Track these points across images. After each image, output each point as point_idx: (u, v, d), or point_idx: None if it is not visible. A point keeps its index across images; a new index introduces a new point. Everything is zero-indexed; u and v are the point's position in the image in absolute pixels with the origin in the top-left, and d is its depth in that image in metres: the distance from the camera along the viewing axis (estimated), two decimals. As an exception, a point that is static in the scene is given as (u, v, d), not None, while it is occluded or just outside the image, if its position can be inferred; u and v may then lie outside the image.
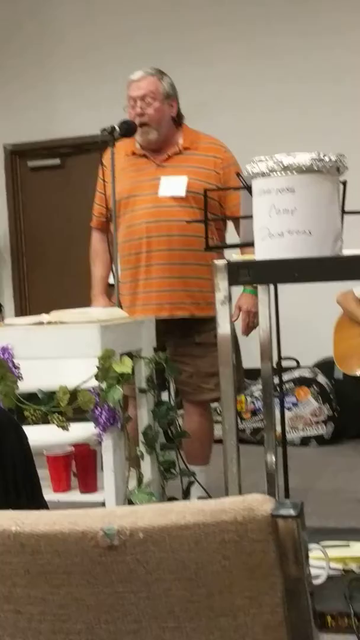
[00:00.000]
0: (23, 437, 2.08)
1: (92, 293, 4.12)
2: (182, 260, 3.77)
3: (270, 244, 1.98)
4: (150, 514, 0.90)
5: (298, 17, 6.35)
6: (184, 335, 3.85)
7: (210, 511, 0.90)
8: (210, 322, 3.94)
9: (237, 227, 3.52)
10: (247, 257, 2.45)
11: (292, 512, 0.89)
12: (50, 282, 7.13)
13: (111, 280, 4.11)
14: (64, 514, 0.93)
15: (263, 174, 1.97)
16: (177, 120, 3.89)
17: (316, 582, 2.05)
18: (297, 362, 5.98)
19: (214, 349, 4.06)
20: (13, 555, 0.93)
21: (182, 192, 3.71)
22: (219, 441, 2.23)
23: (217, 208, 3.71)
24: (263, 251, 2.01)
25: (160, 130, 3.81)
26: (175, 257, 3.76)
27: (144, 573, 0.91)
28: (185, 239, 3.74)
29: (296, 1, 6.35)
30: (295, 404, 5.84)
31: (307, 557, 0.92)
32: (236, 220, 3.56)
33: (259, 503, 0.89)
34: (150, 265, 3.78)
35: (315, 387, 5.85)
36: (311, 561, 2.08)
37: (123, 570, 0.91)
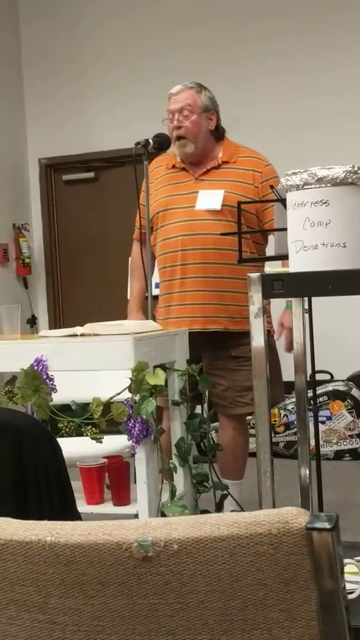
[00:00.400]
0: (57, 449, 2.09)
1: (129, 307, 4.11)
2: (217, 273, 3.77)
3: (305, 256, 1.98)
4: (185, 526, 0.90)
5: (334, 30, 6.35)
6: (219, 348, 3.84)
7: (245, 523, 0.89)
8: (245, 336, 3.93)
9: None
10: (282, 269, 2.45)
11: (327, 525, 0.88)
12: (84, 294, 7.17)
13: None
14: (98, 525, 0.93)
15: (297, 187, 1.97)
16: (217, 134, 3.89)
17: (350, 596, 2.03)
18: (331, 375, 5.95)
19: (249, 362, 4.08)
20: (48, 566, 0.93)
21: (217, 206, 3.71)
22: (253, 454, 2.22)
23: (255, 222, 3.70)
24: (297, 264, 2.01)
25: (197, 144, 3.81)
26: (210, 270, 3.76)
27: (178, 585, 0.91)
28: (220, 252, 3.74)
29: (332, 14, 6.35)
30: (329, 418, 5.80)
31: (342, 570, 0.91)
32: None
33: (294, 516, 0.89)
34: (185, 278, 3.79)
35: (349, 400, 5.81)
36: (345, 576, 2.06)
37: (157, 581, 0.91)
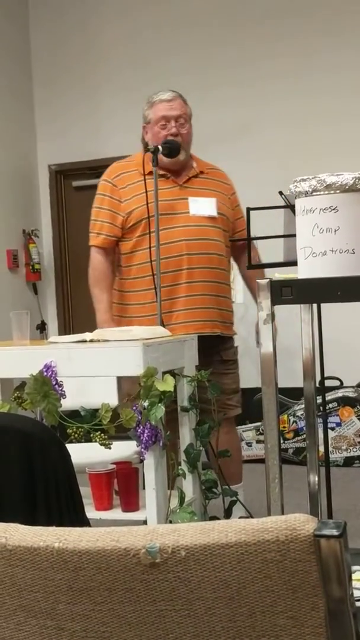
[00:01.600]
0: (66, 455, 2.09)
1: (102, 319, 3.97)
2: (218, 278, 3.85)
3: (313, 262, 1.98)
4: (192, 532, 0.90)
5: (346, 32, 6.35)
6: (210, 352, 3.81)
7: (253, 530, 0.89)
8: (230, 340, 4.01)
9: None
10: (291, 275, 2.45)
11: (335, 532, 0.88)
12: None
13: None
14: (106, 531, 0.93)
15: (306, 193, 1.97)
16: None
17: (359, 604, 2.03)
18: (341, 381, 5.94)
19: (235, 365, 4.11)
20: (56, 572, 0.94)
21: (214, 212, 3.81)
22: (262, 460, 2.22)
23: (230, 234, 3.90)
24: (306, 270, 2.01)
25: (188, 152, 3.91)
26: (212, 275, 3.81)
27: (186, 591, 0.91)
28: (219, 258, 3.84)
29: (344, 15, 6.35)
30: (338, 424, 5.79)
31: (350, 577, 0.91)
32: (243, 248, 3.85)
33: (302, 523, 0.89)
34: (192, 282, 3.80)
35: (359, 407, 5.80)
36: (353, 583, 2.06)
37: (165, 588, 0.91)
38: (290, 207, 2.17)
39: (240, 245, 3.94)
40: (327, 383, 5.63)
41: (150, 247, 3.69)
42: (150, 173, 3.75)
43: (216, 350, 3.88)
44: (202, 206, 3.78)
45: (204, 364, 3.79)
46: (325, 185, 1.94)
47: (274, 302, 1.98)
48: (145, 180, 3.75)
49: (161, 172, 3.79)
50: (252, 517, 3.74)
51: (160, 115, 3.86)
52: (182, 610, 0.92)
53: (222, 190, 3.92)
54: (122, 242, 3.94)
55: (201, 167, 3.95)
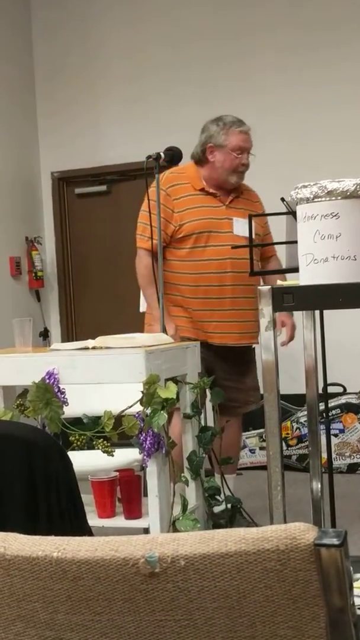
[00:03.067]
0: (68, 463, 2.08)
1: (157, 315, 3.99)
2: (252, 294, 4.03)
3: (315, 269, 1.97)
4: (192, 542, 0.90)
5: (349, 44, 6.35)
6: (238, 358, 4.18)
7: (252, 539, 0.89)
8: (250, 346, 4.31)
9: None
10: (293, 282, 2.44)
11: (335, 541, 0.88)
12: (97, 307, 7.18)
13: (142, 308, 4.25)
14: (105, 541, 0.92)
15: (307, 200, 1.97)
16: None
17: (362, 612, 2.01)
18: (344, 388, 5.92)
19: (254, 365, 4.35)
20: (55, 581, 0.93)
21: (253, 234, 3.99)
22: (264, 467, 2.21)
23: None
24: (308, 277, 2.01)
25: (243, 178, 4.22)
26: (249, 291, 3.98)
27: (186, 601, 0.90)
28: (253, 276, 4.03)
29: (351, 27, 6.35)
30: (342, 431, 5.78)
31: (351, 587, 0.90)
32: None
33: (302, 532, 0.88)
34: (236, 297, 4.06)
35: (362, 413, 5.79)
36: (355, 591, 2.05)
37: (164, 597, 0.90)
38: (292, 213, 2.16)
39: (264, 257, 4.30)
40: (331, 389, 5.62)
41: (201, 260, 4.03)
42: (202, 189, 4.09)
43: (243, 355, 4.23)
44: (242, 227, 4.01)
45: (233, 367, 4.15)
46: (326, 191, 1.94)
47: (276, 308, 1.98)
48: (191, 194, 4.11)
49: (212, 190, 4.11)
50: (254, 523, 3.74)
51: (239, 145, 4.15)
52: (181, 620, 0.91)
53: (257, 210, 4.17)
54: (174, 249, 4.10)
55: (241, 188, 4.23)
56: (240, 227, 4.03)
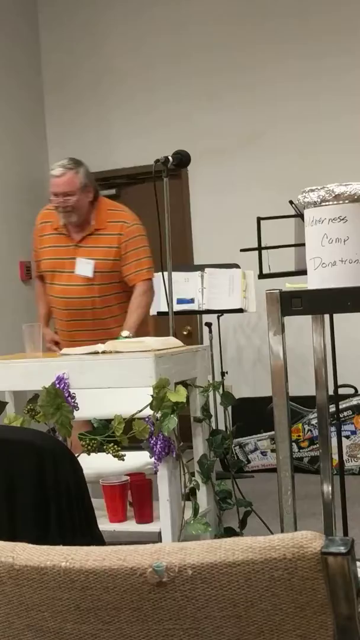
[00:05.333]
0: (78, 469, 2.09)
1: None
2: (93, 327, 4.31)
3: (323, 273, 1.97)
4: (199, 551, 0.90)
5: (353, 53, 6.34)
6: None
7: (259, 548, 0.89)
8: None
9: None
10: (301, 285, 2.44)
11: (342, 549, 0.88)
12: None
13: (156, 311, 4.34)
14: (113, 550, 0.93)
15: (315, 204, 1.97)
16: (93, 200, 4.33)
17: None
18: (356, 389, 5.91)
19: None
20: (63, 591, 0.93)
21: (90, 274, 4.24)
22: (274, 469, 2.21)
23: (118, 275, 4.27)
24: (316, 280, 2.00)
25: (80, 214, 4.26)
26: (87, 325, 4.29)
27: (193, 610, 0.90)
28: (92, 311, 4.29)
29: (352, 37, 6.34)
30: (353, 432, 5.76)
31: (358, 595, 0.90)
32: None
33: (309, 540, 0.88)
34: (72, 331, 4.36)
35: (374, 414, 5.77)
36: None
37: (172, 607, 0.91)
38: (301, 216, 2.16)
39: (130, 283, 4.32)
40: (342, 391, 5.61)
41: (51, 295, 4.39)
42: (57, 229, 4.32)
43: None
44: (83, 267, 4.24)
45: None
46: (333, 195, 1.93)
47: (284, 313, 1.98)
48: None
49: (64, 230, 4.32)
50: (268, 528, 3.73)
51: (50, 190, 4.31)
52: (189, 629, 0.91)
53: (111, 243, 4.25)
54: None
55: (99, 223, 4.30)
56: (82, 266, 4.23)
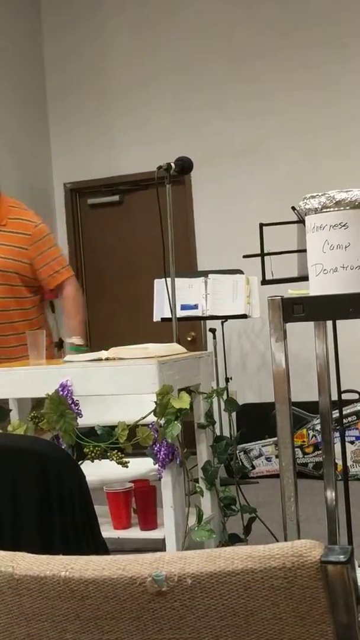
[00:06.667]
0: (81, 477, 2.09)
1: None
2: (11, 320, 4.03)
3: (324, 279, 1.97)
4: (199, 560, 0.90)
5: (353, 62, 6.35)
6: None
7: (259, 557, 0.89)
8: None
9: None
10: (304, 291, 2.44)
11: (341, 558, 0.88)
12: (111, 316, 7.20)
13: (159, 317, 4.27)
14: (112, 560, 0.93)
15: (316, 210, 1.97)
16: None
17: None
18: (360, 394, 5.90)
19: None
20: (63, 601, 0.93)
21: None
22: (279, 476, 2.21)
23: (32, 280, 4.03)
24: (317, 287, 2.00)
25: None
26: (6, 317, 4.00)
27: (193, 619, 0.90)
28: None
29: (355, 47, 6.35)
30: (358, 438, 5.75)
31: (358, 603, 0.90)
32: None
33: (308, 549, 0.88)
34: None
35: (378, 420, 5.76)
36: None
37: (172, 616, 0.90)
38: (303, 222, 2.16)
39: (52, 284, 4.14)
40: (346, 396, 5.60)
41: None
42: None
43: None
44: None
45: None
46: (334, 202, 1.93)
47: (286, 319, 1.98)
48: None
49: None
50: (273, 534, 3.72)
51: None
52: (189, 639, 0.91)
53: (15, 242, 4.00)
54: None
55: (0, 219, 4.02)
56: None
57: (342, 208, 1.93)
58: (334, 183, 4.64)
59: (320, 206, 1.96)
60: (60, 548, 2.00)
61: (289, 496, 1.96)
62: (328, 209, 1.95)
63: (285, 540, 2.00)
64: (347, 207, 1.93)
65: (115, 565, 0.91)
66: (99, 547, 2.11)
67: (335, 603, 0.89)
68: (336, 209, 1.94)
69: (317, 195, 1.97)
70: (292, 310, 1.97)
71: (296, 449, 5.83)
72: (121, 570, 0.91)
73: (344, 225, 1.93)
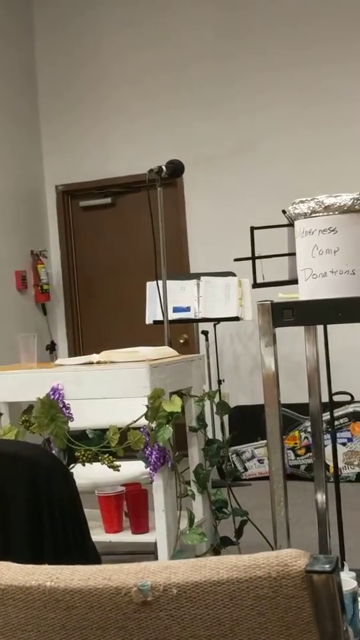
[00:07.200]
0: (71, 482, 2.09)
1: None
2: None
3: (314, 284, 1.97)
4: (184, 570, 0.90)
5: (346, 63, 6.35)
6: None
7: (244, 567, 0.89)
8: None
9: None
10: (293, 296, 2.44)
11: (327, 567, 0.88)
12: (103, 319, 7.19)
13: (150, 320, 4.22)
14: (98, 569, 0.93)
15: (305, 215, 1.97)
16: None
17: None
18: (352, 396, 5.90)
19: None
20: (49, 611, 0.93)
21: None
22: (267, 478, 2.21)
23: None
24: (307, 291, 2.01)
25: None
26: None
27: (179, 629, 0.90)
28: None
29: (345, 46, 6.35)
30: (350, 439, 5.76)
31: (343, 612, 0.90)
32: None
33: (293, 558, 0.88)
34: None
35: (370, 421, 5.77)
36: (363, 605, 2.04)
37: (157, 626, 0.90)
38: (293, 225, 2.16)
39: None
40: (338, 398, 5.60)
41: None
42: None
43: None
44: None
45: None
46: (323, 206, 1.94)
47: (276, 324, 1.98)
48: None
49: None
50: (263, 536, 3.72)
51: None
52: (175, 648, 0.91)
53: None
54: None
55: None
56: None
57: (331, 213, 1.94)
58: (327, 185, 4.66)
59: (309, 211, 1.96)
60: (50, 554, 2.00)
61: (279, 501, 1.97)
62: (317, 214, 1.95)
63: (275, 544, 2.00)
64: (336, 212, 1.93)
65: (101, 575, 0.91)
66: (89, 552, 2.10)
67: (320, 612, 0.89)
68: (325, 213, 1.94)
69: (306, 200, 1.97)
70: (281, 314, 1.97)
71: (288, 451, 5.84)
72: (107, 580, 0.90)
73: (333, 230, 1.93)
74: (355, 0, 6.30)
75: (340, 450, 5.64)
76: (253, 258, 3.00)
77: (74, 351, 7.15)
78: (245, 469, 5.86)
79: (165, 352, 3.38)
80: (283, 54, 6.52)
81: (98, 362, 3.26)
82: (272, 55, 6.55)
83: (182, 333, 6.67)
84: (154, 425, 2.98)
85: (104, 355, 3.30)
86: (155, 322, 4.93)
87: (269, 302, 2.01)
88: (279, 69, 6.53)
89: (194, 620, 0.90)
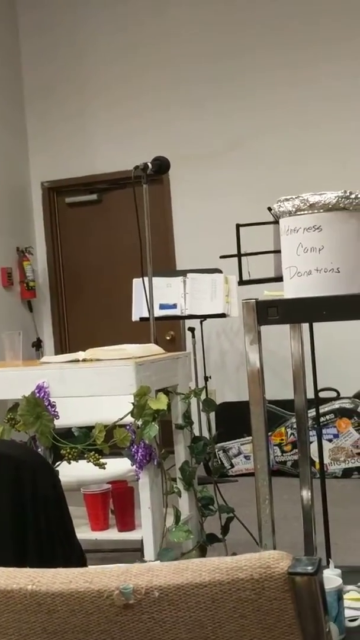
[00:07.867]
0: (56, 480, 2.08)
1: None
2: None
3: (299, 282, 1.97)
4: (166, 572, 0.89)
5: (336, 62, 6.35)
6: None
7: (227, 569, 0.88)
8: None
9: None
10: (278, 293, 2.44)
11: (309, 569, 0.87)
12: (89, 316, 7.18)
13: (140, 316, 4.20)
14: (80, 572, 0.92)
15: (290, 213, 1.97)
16: None
17: (353, 624, 2.01)
18: (338, 393, 5.92)
19: None
20: (30, 614, 0.93)
21: None
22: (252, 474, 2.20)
23: None
24: (292, 289, 2.00)
25: None
26: None
27: (161, 632, 0.90)
28: None
29: (336, 46, 6.35)
30: (336, 436, 5.77)
31: (326, 614, 0.90)
32: None
33: (276, 560, 0.88)
34: None
35: (356, 418, 5.78)
36: (348, 602, 2.05)
37: (140, 629, 0.90)
38: (279, 222, 2.16)
39: None
40: (325, 394, 5.62)
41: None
42: None
43: None
44: None
45: None
46: (308, 204, 1.93)
47: (260, 322, 1.97)
48: None
49: None
50: (249, 532, 3.73)
51: None
52: (157, 651, 0.90)
53: None
54: None
55: None
56: None
57: (315, 211, 1.93)
58: (313, 183, 4.66)
59: (294, 209, 1.96)
60: (34, 552, 1.99)
61: (264, 498, 1.96)
62: (302, 212, 1.95)
63: (260, 542, 2.00)
64: (321, 210, 1.93)
65: (83, 578, 0.91)
66: (74, 551, 2.10)
67: (303, 614, 0.88)
68: (310, 211, 1.94)
69: (291, 198, 1.97)
70: (266, 312, 1.97)
71: (275, 447, 5.84)
72: (88, 583, 0.90)
73: (317, 228, 1.93)
74: (352, 1, 6.31)
75: (327, 446, 5.66)
76: (239, 255, 3.00)
77: (60, 348, 7.14)
78: (232, 466, 5.87)
79: (151, 349, 3.38)
80: (270, 54, 6.52)
81: (84, 360, 3.25)
82: (259, 55, 6.55)
83: (169, 330, 6.67)
84: (140, 422, 2.98)
85: (90, 352, 3.30)
86: (142, 319, 4.93)
87: (253, 300, 2.00)
88: (265, 69, 6.53)
89: (176, 623, 0.89)
